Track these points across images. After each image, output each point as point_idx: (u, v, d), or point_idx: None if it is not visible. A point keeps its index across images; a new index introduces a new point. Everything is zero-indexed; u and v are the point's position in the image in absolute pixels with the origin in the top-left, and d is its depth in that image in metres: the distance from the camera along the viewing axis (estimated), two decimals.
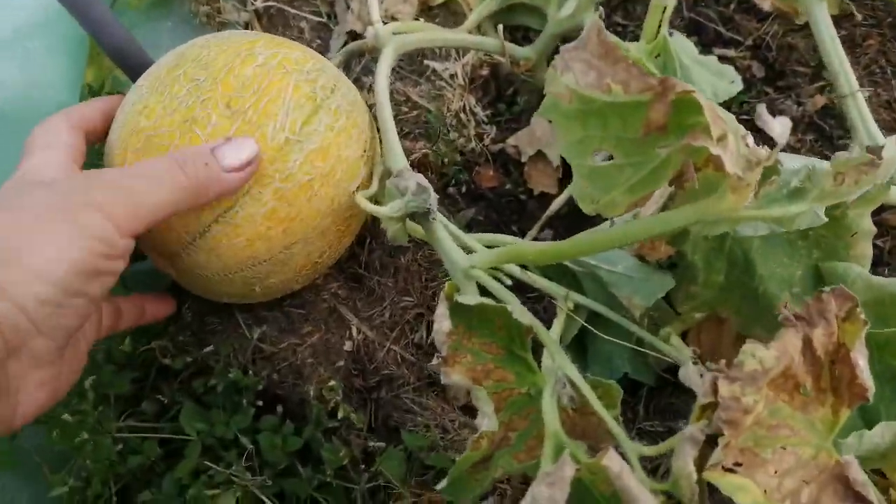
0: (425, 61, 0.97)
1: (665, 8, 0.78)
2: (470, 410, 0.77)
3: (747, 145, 0.44)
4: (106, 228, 0.52)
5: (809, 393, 0.44)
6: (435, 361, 0.52)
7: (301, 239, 0.69)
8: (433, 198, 0.61)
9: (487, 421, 0.49)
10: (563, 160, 0.94)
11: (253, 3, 1.05)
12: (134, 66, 0.77)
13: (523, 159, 0.94)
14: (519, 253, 0.59)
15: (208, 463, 0.68)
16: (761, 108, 0.84)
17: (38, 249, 0.49)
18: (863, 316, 0.45)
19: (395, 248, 0.85)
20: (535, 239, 0.87)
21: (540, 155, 0.94)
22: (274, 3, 1.06)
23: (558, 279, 0.73)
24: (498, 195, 0.95)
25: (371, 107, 0.77)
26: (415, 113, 0.96)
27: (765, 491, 0.41)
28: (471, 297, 0.52)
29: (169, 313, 0.77)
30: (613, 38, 0.48)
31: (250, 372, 0.76)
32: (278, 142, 0.64)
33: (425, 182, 0.61)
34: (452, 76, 0.95)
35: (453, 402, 0.77)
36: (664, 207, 0.53)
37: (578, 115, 0.50)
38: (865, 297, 0.61)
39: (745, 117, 0.89)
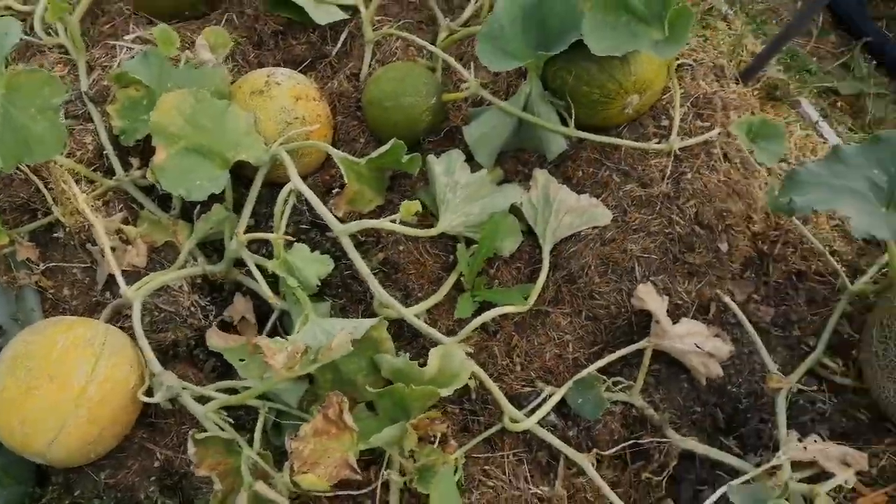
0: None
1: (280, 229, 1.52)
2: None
3: (288, 351, 1.18)
4: None
5: (333, 433, 1.18)
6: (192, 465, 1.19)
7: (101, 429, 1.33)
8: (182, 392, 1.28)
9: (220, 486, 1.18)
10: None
11: (38, 268, 1.63)
12: None
13: (235, 324, 1.63)
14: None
15: None
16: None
17: None
18: (347, 405, 1.20)
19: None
20: None
21: (244, 320, 1.63)
22: (54, 264, 1.65)
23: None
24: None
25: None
26: (162, 315, 1.60)
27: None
28: (205, 434, 1.21)
29: None
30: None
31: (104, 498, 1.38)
32: (81, 384, 1.28)
33: (175, 382, 1.28)
34: (180, 287, 1.61)
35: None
36: None
37: None
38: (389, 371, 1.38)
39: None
